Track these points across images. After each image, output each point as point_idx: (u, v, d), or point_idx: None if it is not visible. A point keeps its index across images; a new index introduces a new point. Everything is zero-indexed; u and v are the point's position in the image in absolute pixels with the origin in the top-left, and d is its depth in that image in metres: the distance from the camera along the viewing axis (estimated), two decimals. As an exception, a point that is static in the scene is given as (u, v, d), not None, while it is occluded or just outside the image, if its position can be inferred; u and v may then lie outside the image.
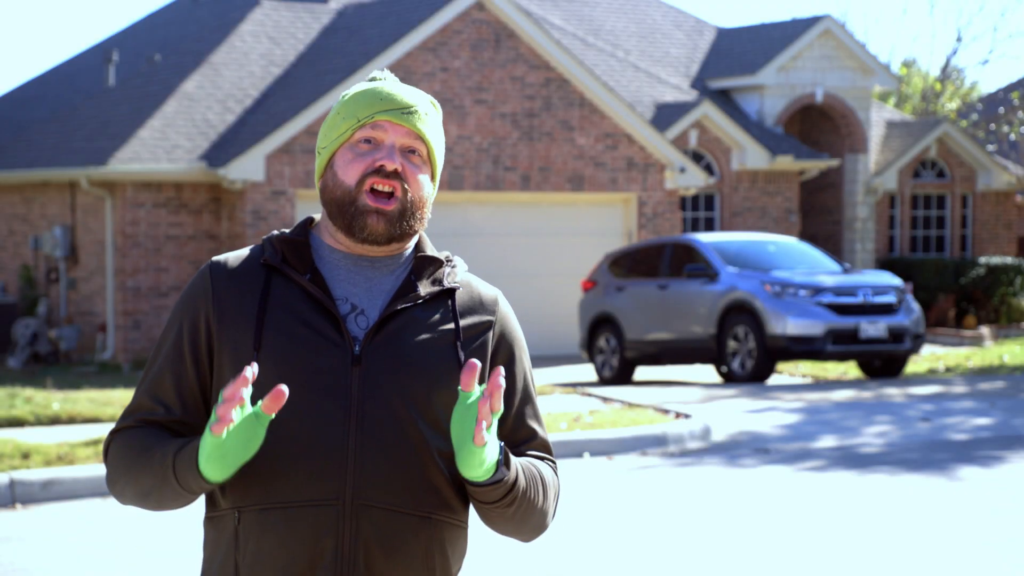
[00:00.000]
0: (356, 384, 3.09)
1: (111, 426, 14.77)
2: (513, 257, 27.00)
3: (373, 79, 3.28)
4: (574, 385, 21.26)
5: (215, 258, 3.21)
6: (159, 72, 28.02)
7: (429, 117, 3.19)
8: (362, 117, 3.15)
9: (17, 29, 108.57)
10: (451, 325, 3.17)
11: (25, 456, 12.35)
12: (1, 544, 10.19)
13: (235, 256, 3.21)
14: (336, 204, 3.15)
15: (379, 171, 3.13)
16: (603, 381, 22.99)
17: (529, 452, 3.27)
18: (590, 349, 23.55)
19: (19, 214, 27.69)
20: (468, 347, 3.17)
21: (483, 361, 3.18)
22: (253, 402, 3.07)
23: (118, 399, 16.02)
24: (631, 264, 23.58)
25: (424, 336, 3.14)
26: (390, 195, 3.13)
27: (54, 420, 14.87)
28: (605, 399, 18.09)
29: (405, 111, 3.15)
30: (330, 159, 3.19)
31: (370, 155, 3.14)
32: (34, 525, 10.94)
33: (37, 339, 25.76)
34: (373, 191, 3.13)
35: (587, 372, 24.21)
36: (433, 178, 3.20)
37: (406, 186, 3.14)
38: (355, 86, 3.24)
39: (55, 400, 15.60)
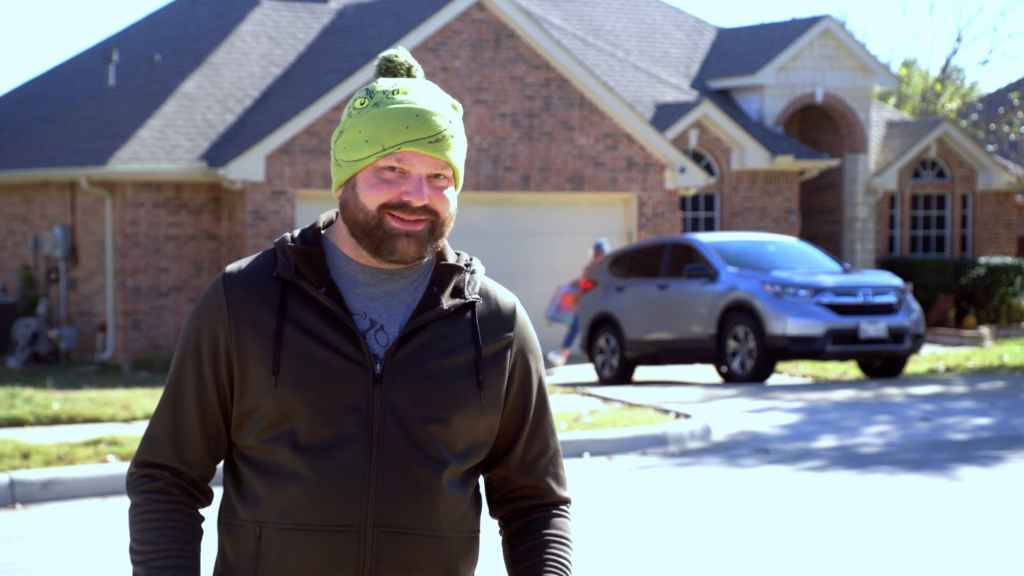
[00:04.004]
0: (377, 405, 3.05)
1: (111, 426, 14.78)
2: (513, 257, 27.00)
3: (389, 61, 3.16)
4: (574, 385, 21.26)
5: (227, 270, 3.13)
6: (159, 72, 28.02)
7: (455, 138, 3.08)
8: (388, 146, 3.04)
9: (17, 29, 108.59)
10: (471, 343, 3.12)
11: (25, 456, 12.35)
12: (1, 544, 10.19)
13: (248, 267, 3.13)
14: (360, 227, 3.07)
15: (405, 206, 3.03)
16: (603, 381, 22.99)
17: (541, 466, 3.25)
18: (590, 349, 23.55)
19: (19, 214, 27.68)
20: (488, 366, 3.13)
21: (501, 379, 3.15)
22: (277, 424, 3.05)
23: (118, 399, 16.01)
24: (631, 264, 23.58)
25: (445, 355, 3.10)
26: (417, 220, 3.06)
27: (54, 420, 14.86)
28: (605, 399, 18.09)
29: (433, 140, 3.04)
30: (351, 176, 3.09)
31: (396, 185, 3.04)
32: (34, 525, 10.94)
33: (37, 339, 25.76)
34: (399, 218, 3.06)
35: (587, 372, 24.21)
36: (457, 186, 3.13)
37: (435, 211, 3.06)
38: (378, 88, 3.10)
39: (55, 400, 15.59)
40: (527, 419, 3.21)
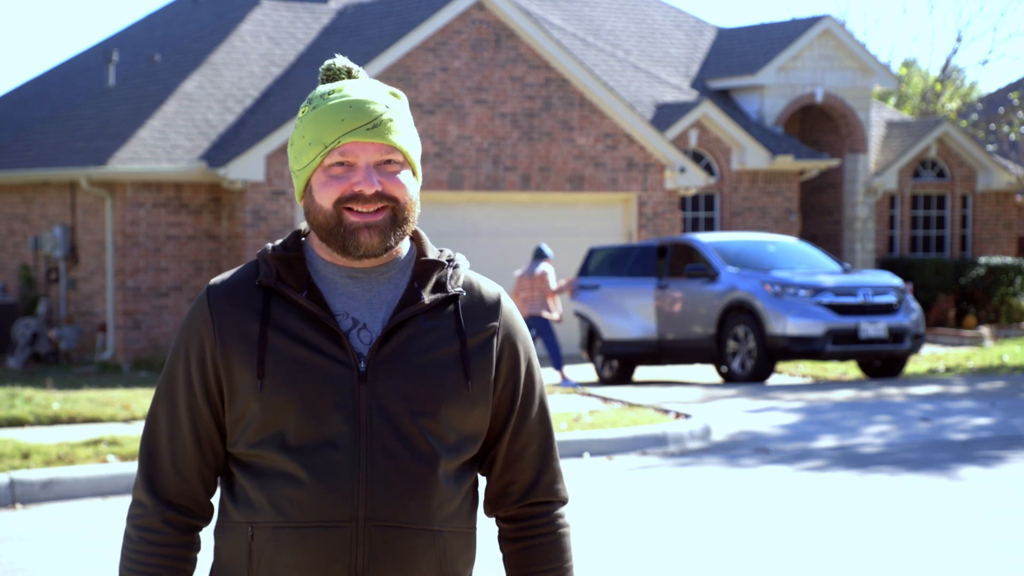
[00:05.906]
0: (364, 402, 3.06)
1: (111, 426, 14.76)
2: (513, 257, 27.00)
3: (328, 69, 3.19)
4: (574, 385, 21.26)
5: (212, 283, 3.16)
6: (159, 72, 28.02)
7: (395, 120, 3.10)
8: (328, 143, 3.07)
9: (17, 29, 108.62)
10: (456, 336, 3.12)
11: (25, 456, 12.35)
12: (1, 544, 10.19)
13: (231, 278, 3.16)
14: (323, 228, 3.09)
15: (358, 197, 3.06)
16: (603, 381, 22.99)
17: (533, 455, 3.22)
18: (590, 349, 23.55)
19: (19, 214, 27.69)
20: (474, 356, 3.13)
21: (488, 369, 3.14)
22: (265, 428, 3.07)
23: (118, 399, 16.01)
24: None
25: (429, 348, 3.10)
26: (376, 209, 3.08)
27: (54, 420, 14.86)
28: (605, 399, 18.09)
29: (371, 127, 3.07)
30: (307, 182, 3.12)
31: (345, 179, 3.07)
32: (34, 525, 10.94)
33: (37, 339, 25.76)
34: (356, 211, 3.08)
35: (587, 372, 24.21)
36: (414, 173, 3.13)
37: (392, 196, 3.08)
38: (316, 93, 3.14)
39: (55, 400, 15.59)
40: (515, 407, 3.19)
